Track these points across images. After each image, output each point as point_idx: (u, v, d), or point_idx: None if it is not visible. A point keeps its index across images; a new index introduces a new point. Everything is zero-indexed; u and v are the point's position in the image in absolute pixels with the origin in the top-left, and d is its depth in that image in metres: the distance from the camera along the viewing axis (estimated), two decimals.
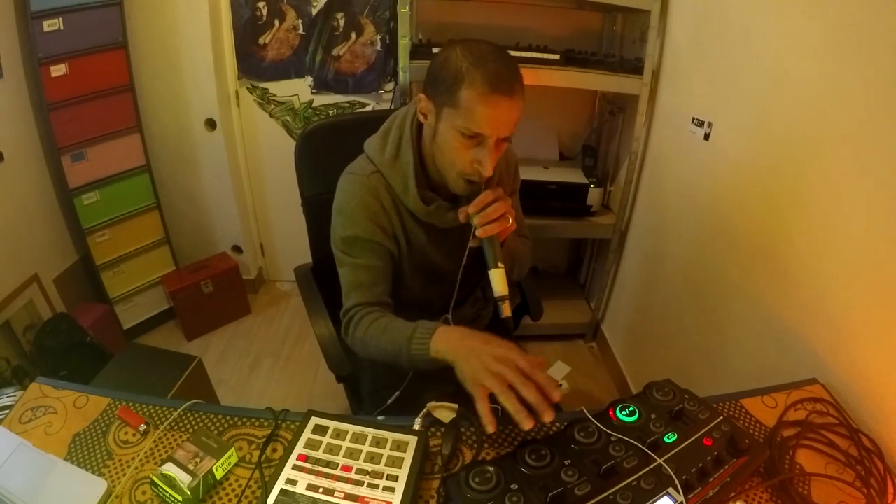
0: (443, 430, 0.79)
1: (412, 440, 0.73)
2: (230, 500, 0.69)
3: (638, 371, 1.89)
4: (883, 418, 0.83)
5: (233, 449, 0.72)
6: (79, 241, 1.94)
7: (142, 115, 1.92)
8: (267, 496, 0.64)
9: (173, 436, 0.77)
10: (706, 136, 1.42)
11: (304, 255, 1.31)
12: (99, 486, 0.68)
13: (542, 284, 2.36)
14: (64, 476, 0.69)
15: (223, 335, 2.22)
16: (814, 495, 0.72)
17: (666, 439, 0.72)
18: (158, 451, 0.75)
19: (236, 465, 0.73)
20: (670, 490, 0.65)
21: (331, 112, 2.12)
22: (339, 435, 0.73)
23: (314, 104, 2.11)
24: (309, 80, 2.05)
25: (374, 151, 0.97)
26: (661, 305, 1.72)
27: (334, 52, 1.99)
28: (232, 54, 1.99)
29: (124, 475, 0.71)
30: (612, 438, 0.72)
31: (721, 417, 0.75)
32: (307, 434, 0.73)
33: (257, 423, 0.80)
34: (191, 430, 0.78)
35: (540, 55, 1.70)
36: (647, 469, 0.68)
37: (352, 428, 0.74)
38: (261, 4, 1.91)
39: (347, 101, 2.10)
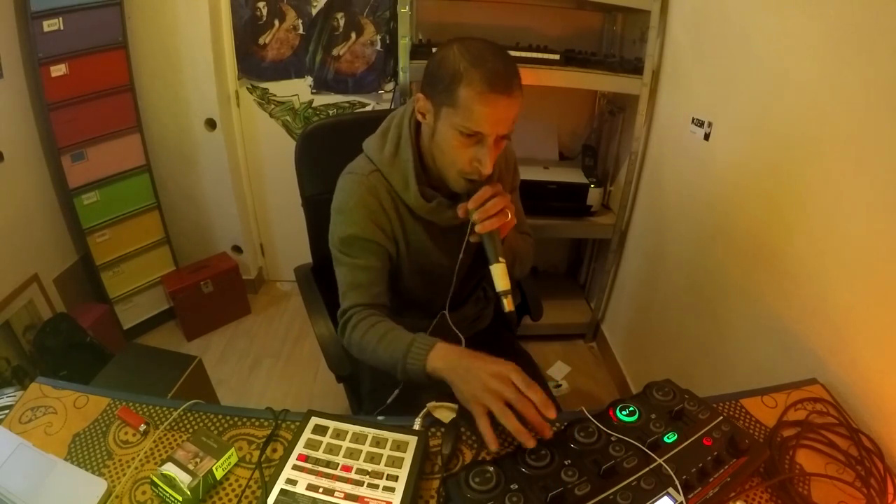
0: (443, 430, 0.79)
1: (412, 440, 0.73)
2: (230, 500, 0.69)
3: (638, 371, 1.89)
4: (883, 418, 0.83)
5: (233, 449, 0.72)
6: (79, 241, 1.94)
7: (142, 115, 1.92)
8: (267, 496, 0.64)
9: (173, 436, 0.77)
10: (706, 136, 1.42)
11: (304, 255, 1.31)
12: (99, 486, 0.68)
13: (542, 284, 2.36)
14: (64, 476, 0.69)
15: (223, 335, 2.22)
16: (814, 495, 0.72)
17: (666, 439, 0.72)
18: (158, 451, 0.75)
19: (236, 465, 0.73)
20: (670, 490, 0.65)
21: (331, 112, 2.12)
22: (339, 435, 0.73)
23: (314, 104, 2.11)
24: (309, 80, 2.05)
25: (373, 151, 0.97)
26: (661, 305, 1.72)
27: (334, 52, 1.99)
28: (232, 54, 1.99)
29: (124, 475, 0.71)
30: (612, 438, 0.72)
31: (721, 417, 0.75)
32: (307, 434, 0.73)
33: (257, 423, 0.80)
34: (191, 430, 0.78)
35: (540, 55, 1.70)
36: (647, 469, 0.68)
37: (352, 428, 0.74)
38: (261, 4, 1.91)
39: (347, 101, 2.10)
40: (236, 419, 0.80)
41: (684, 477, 0.66)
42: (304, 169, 1.21)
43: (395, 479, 0.67)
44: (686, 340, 1.54)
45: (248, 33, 1.96)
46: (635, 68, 1.71)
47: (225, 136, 2.07)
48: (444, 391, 0.84)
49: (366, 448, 0.71)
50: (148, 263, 2.12)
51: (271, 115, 2.14)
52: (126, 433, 0.77)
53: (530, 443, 0.68)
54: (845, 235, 0.95)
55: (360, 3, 1.91)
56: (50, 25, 1.59)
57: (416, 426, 0.78)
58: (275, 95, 2.10)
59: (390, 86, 2.04)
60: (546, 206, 1.89)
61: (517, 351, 1.28)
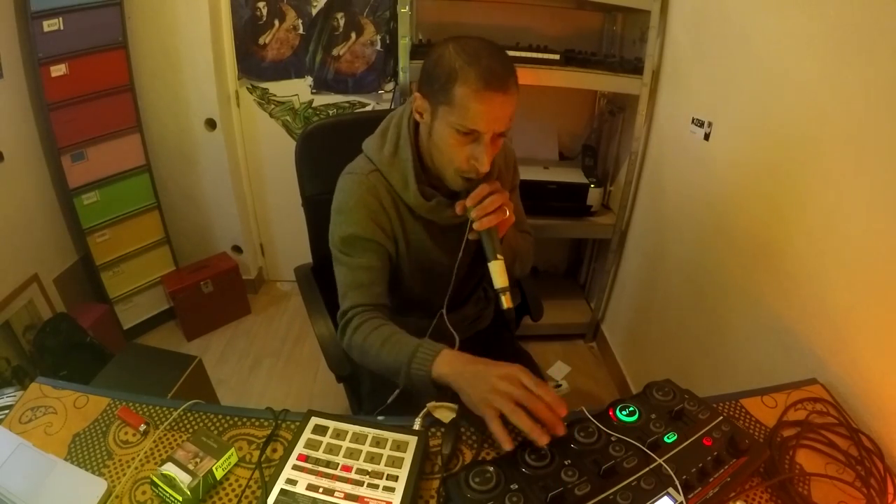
0: (443, 430, 0.79)
1: (412, 440, 0.72)
2: (230, 500, 0.69)
3: (638, 371, 1.89)
4: (883, 418, 0.83)
5: (233, 449, 0.72)
6: (79, 241, 1.94)
7: (142, 115, 1.92)
8: (267, 496, 0.64)
9: (173, 436, 0.77)
10: (706, 136, 1.42)
11: (304, 255, 1.31)
12: (99, 486, 0.68)
13: (542, 284, 2.36)
14: (64, 476, 0.69)
15: (223, 335, 2.22)
16: (814, 495, 0.72)
17: (666, 439, 0.72)
18: (158, 451, 0.75)
19: (236, 465, 0.73)
20: (670, 490, 0.65)
21: (331, 112, 2.12)
22: (339, 435, 0.73)
23: (314, 104, 2.11)
24: (309, 80, 2.05)
25: (372, 150, 0.98)
26: (661, 305, 1.72)
27: (334, 52, 2.00)
28: (232, 54, 1.99)
29: (124, 475, 0.71)
30: (612, 438, 0.72)
31: (721, 417, 0.75)
32: (307, 434, 0.73)
33: (257, 423, 0.80)
34: (191, 430, 0.78)
35: (540, 55, 1.70)
36: (647, 469, 0.68)
37: (352, 428, 0.74)
38: (261, 4, 1.91)
39: (347, 101, 2.10)
40: (236, 419, 0.80)
41: (684, 477, 0.66)
42: (304, 169, 1.21)
43: (395, 479, 0.67)
44: (686, 340, 1.54)
45: (248, 33, 1.96)
46: (635, 68, 1.71)
47: (225, 136, 2.07)
48: (444, 391, 0.84)
49: (366, 448, 0.71)
50: (148, 263, 2.12)
51: (271, 115, 2.14)
52: (126, 433, 0.77)
53: (543, 439, 0.67)
54: (845, 235, 0.95)
55: (360, 3, 1.91)
56: (50, 25, 1.59)
57: (416, 426, 0.78)
58: (275, 95, 2.10)
59: (390, 86, 2.04)
60: (546, 206, 1.89)
61: (517, 351, 1.28)
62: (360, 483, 0.66)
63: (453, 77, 0.80)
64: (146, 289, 2.14)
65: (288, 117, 2.14)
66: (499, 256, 0.88)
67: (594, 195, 1.91)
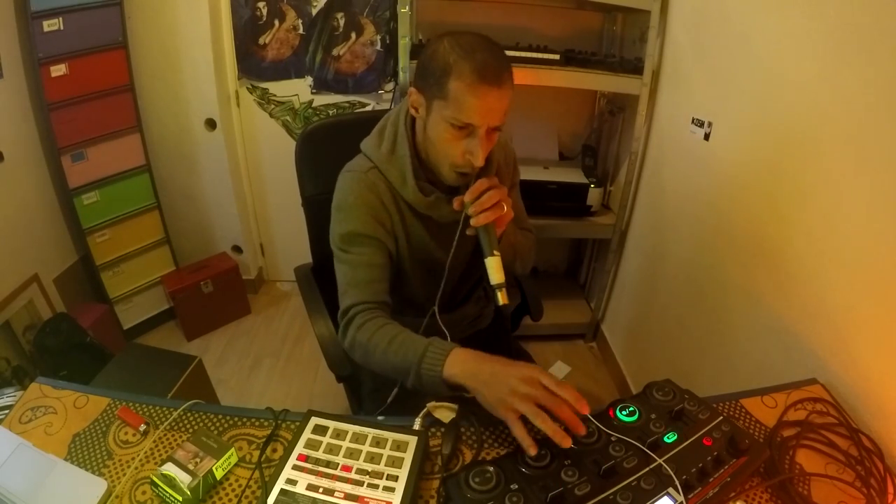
0: (443, 430, 0.79)
1: (412, 440, 0.72)
2: (230, 500, 0.69)
3: (638, 371, 1.89)
4: (883, 418, 0.83)
5: (233, 449, 0.72)
6: (79, 241, 1.94)
7: (142, 115, 1.92)
8: (267, 496, 0.64)
9: (173, 436, 0.77)
10: (706, 136, 1.42)
11: (304, 255, 1.31)
12: (99, 486, 0.68)
13: (542, 284, 2.37)
14: (64, 476, 0.69)
15: (223, 335, 2.22)
16: (814, 495, 0.72)
17: (666, 439, 0.72)
18: (158, 451, 0.75)
19: (236, 465, 0.73)
20: (670, 490, 0.65)
21: (331, 112, 2.12)
22: (339, 435, 0.73)
23: (314, 104, 2.11)
24: (309, 80, 2.05)
25: (370, 149, 0.98)
26: (661, 305, 1.72)
27: (334, 52, 2.00)
28: (232, 54, 1.99)
29: (124, 475, 0.71)
30: (612, 438, 0.72)
31: (721, 417, 0.75)
32: (307, 434, 0.73)
33: (257, 423, 0.80)
34: (191, 430, 0.78)
35: (540, 55, 1.70)
36: (647, 469, 0.68)
37: (352, 428, 0.74)
38: (261, 4, 1.91)
39: (347, 101, 2.10)
40: (236, 419, 0.80)
41: (684, 477, 0.66)
42: (304, 169, 1.21)
43: (395, 479, 0.67)
44: (686, 340, 1.54)
45: (248, 33, 1.96)
46: (635, 68, 1.71)
47: (225, 136, 2.07)
48: (456, 395, 0.83)
49: (366, 448, 0.71)
50: (148, 263, 2.12)
51: (271, 115, 2.14)
52: (126, 433, 0.77)
53: (566, 442, 0.66)
54: (845, 235, 0.95)
55: (360, 3, 1.91)
56: (50, 25, 1.59)
57: (416, 426, 0.78)
58: (275, 95, 2.10)
59: (390, 86, 2.05)
60: (546, 206, 1.89)
61: (517, 351, 1.28)
62: (360, 483, 0.66)
63: (448, 71, 0.81)
64: (146, 289, 2.14)
65: (288, 117, 2.14)
66: (495, 252, 0.87)
67: (594, 195, 1.91)
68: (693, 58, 1.52)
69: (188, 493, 0.65)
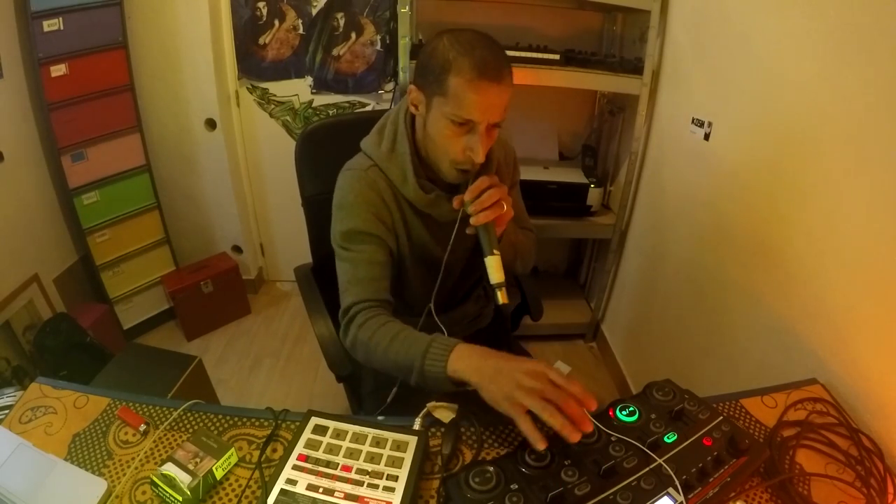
0: (443, 430, 0.79)
1: (412, 440, 0.72)
2: (230, 500, 0.69)
3: (638, 371, 1.89)
4: (883, 418, 0.83)
5: (233, 449, 0.72)
6: (79, 241, 1.94)
7: (142, 115, 1.92)
8: (267, 496, 0.64)
9: (173, 436, 0.77)
10: (706, 136, 1.42)
11: (304, 255, 1.31)
12: (99, 486, 0.68)
13: (542, 284, 2.37)
14: (64, 476, 0.69)
15: (223, 335, 2.22)
16: (814, 495, 0.72)
17: (666, 439, 0.72)
18: (158, 451, 0.75)
19: (236, 465, 0.73)
20: (670, 490, 0.65)
21: (331, 112, 2.12)
22: (339, 435, 0.73)
23: (314, 104, 2.11)
24: (309, 80, 2.05)
25: (370, 147, 0.98)
26: (661, 305, 1.72)
27: (334, 52, 2.00)
28: (232, 54, 1.99)
29: (124, 475, 0.71)
30: (612, 438, 0.72)
31: (721, 417, 0.75)
32: (307, 434, 0.73)
33: (257, 423, 0.80)
34: (191, 430, 0.78)
35: (540, 55, 1.70)
36: (647, 469, 0.68)
37: (352, 428, 0.74)
38: (261, 4, 1.91)
39: (347, 101, 2.10)
40: (236, 419, 0.80)
41: (684, 477, 0.66)
42: (304, 169, 1.21)
43: (395, 479, 0.67)
44: (686, 340, 1.54)
45: (248, 33, 1.96)
46: (635, 68, 1.71)
47: (225, 136, 2.07)
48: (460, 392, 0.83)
49: (366, 448, 0.71)
50: (148, 263, 2.12)
51: (271, 115, 2.14)
52: (126, 433, 0.77)
53: (575, 436, 0.65)
54: (845, 235, 0.95)
55: (360, 3, 1.91)
56: (50, 25, 1.59)
57: (416, 426, 0.78)
58: (275, 95, 2.10)
59: (390, 86, 2.05)
60: (546, 206, 1.89)
61: (517, 351, 1.28)
62: (360, 483, 0.66)
63: (447, 68, 0.81)
64: (146, 289, 2.14)
65: (288, 117, 2.14)
66: (495, 251, 0.87)
67: (594, 195, 1.91)
68: (693, 58, 1.52)
69: (188, 493, 0.65)
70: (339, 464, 0.69)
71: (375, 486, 0.66)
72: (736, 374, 1.28)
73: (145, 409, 0.81)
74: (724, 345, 1.34)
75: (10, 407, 0.82)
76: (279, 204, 2.35)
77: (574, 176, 1.94)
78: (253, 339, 2.21)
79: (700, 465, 0.68)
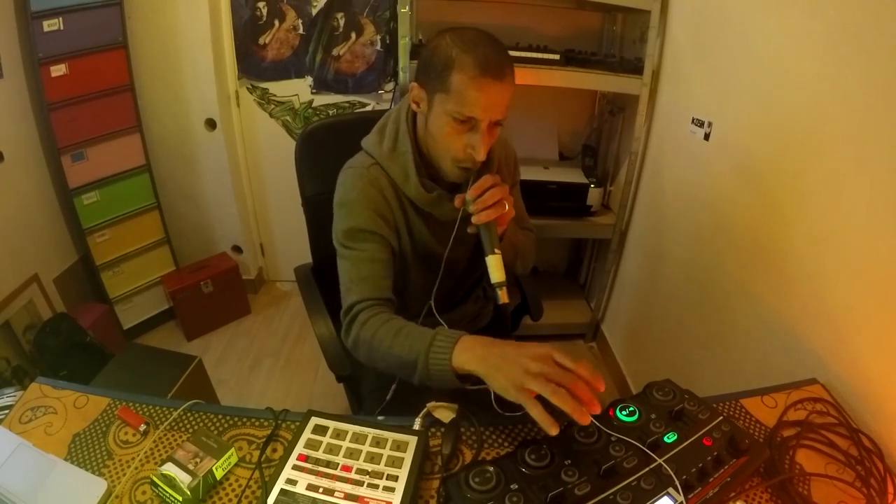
0: (443, 430, 0.79)
1: (412, 440, 0.72)
2: (230, 500, 0.69)
3: (638, 371, 1.89)
4: (883, 418, 0.83)
5: (233, 449, 0.72)
6: (79, 241, 1.94)
7: (142, 115, 1.92)
8: (267, 496, 0.64)
9: (173, 436, 0.77)
10: (706, 136, 1.42)
11: (304, 255, 1.31)
12: (99, 486, 0.68)
13: (542, 284, 2.37)
14: (64, 476, 0.69)
15: (223, 335, 2.22)
16: (814, 495, 0.72)
17: (666, 439, 0.72)
18: (158, 451, 0.75)
19: (236, 465, 0.73)
20: (670, 490, 0.65)
21: (331, 112, 2.12)
22: (339, 435, 0.73)
23: (314, 104, 2.11)
24: (309, 80, 2.05)
25: (372, 146, 0.98)
26: (662, 305, 1.72)
27: (334, 52, 2.00)
28: (232, 54, 1.99)
29: (124, 475, 0.71)
30: (612, 438, 0.72)
31: (721, 417, 0.75)
32: (307, 434, 0.73)
33: (257, 423, 0.80)
34: (191, 430, 0.78)
35: (540, 55, 1.70)
36: (647, 469, 0.68)
37: (352, 428, 0.74)
38: (261, 4, 1.91)
39: (347, 101, 2.10)
40: (236, 419, 0.80)
41: (684, 477, 0.66)
42: (304, 169, 1.21)
43: (395, 479, 0.67)
44: (686, 340, 1.54)
45: (248, 33, 1.96)
46: (635, 68, 1.71)
47: (225, 136, 2.07)
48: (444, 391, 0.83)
49: (366, 448, 0.71)
50: (148, 263, 2.12)
51: (271, 115, 2.14)
52: (126, 433, 0.77)
53: (586, 419, 0.63)
54: (845, 235, 0.95)
55: (360, 3, 1.91)
56: (50, 25, 1.59)
57: (416, 426, 0.78)
58: (275, 95, 2.10)
59: (390, 86, 2.05)
60: (546, 206, 1.89)
61: None
62: (360, 483, 0.66)
63: (450, 65, 0.81)
64: (146, 289, 2.14)
65: (288, 117, 2.14)
66: (496, 251, 0.87)
67: (594, 195, 1.91)
68: (693, 58, 1.52)
69: (188, 493, 0.65)
70: (339, 464, 0.69)
71: (375, 486, 0.66)
72: (736, 374, 1.28)
73: (145, 409, 0.81)
74: (724, 345, 1.34)
75: (10, 407, 0.82)
76: (279, 204, 2.35)
77: (574, 176, 1.94)
78: (253, 339, 2.21)
79: (700, 465, 0.68)
